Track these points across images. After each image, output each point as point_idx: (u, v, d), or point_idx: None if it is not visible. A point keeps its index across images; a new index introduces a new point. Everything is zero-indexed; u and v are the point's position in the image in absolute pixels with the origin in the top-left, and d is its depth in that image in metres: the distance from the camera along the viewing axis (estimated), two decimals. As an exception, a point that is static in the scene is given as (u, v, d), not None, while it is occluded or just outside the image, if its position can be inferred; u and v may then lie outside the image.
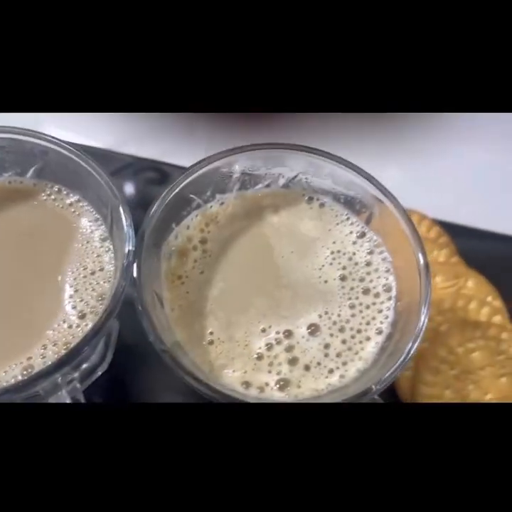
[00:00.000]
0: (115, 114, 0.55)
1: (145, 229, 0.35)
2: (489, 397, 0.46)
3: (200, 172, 0.38)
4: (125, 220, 0.35)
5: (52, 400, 0.34)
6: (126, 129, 0.49)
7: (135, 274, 0.34)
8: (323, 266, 0.40)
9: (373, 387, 0.32)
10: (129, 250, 0.34)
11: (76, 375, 0.44)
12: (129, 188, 0.54)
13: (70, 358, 0.33)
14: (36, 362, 0.35)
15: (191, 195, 0.39)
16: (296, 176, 0.41)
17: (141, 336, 0.50)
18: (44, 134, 0.38)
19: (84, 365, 0.46)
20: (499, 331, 0.48)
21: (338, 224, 0.41)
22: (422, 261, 0.36)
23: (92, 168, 0.37)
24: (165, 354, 0.32)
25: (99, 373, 0.47)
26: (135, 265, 0.34)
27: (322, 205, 0.42)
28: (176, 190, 0.37)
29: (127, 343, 0.49)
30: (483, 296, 0.51)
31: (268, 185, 0.42)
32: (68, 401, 0.35)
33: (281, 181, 0.42)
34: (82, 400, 0.37)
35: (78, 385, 0.39)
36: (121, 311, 0.50)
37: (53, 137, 0.38)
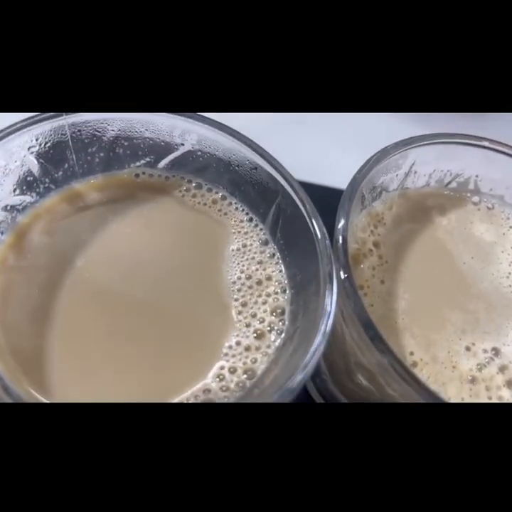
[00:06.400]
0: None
1: (342, 228, 0.29)
2: None
3: (378, 166, 0.32)
4: (311, 216, 0.29)
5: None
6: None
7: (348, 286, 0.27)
8: (510, 273, 0.34)
9: None
10: (329, 256, 0.27)
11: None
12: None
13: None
14: (215, 393, 0.27)
15: (364, 192, 0.33)
16: (463, 173, 0.36)
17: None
18: (195, 114, 0.31)
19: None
20: None
21: (511, 227, 0.36)
22: None
23: (256, 151, 0.30)
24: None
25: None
26: (342, 270, 0.27)
27: (490, 207, 0.37)
28: (360, 187, 0.31)
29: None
30: None
31: (430, 184, 0.37)
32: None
33: (447, 179, 0.37)
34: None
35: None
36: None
37: (201, 116, 0.31)
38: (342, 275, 0.27)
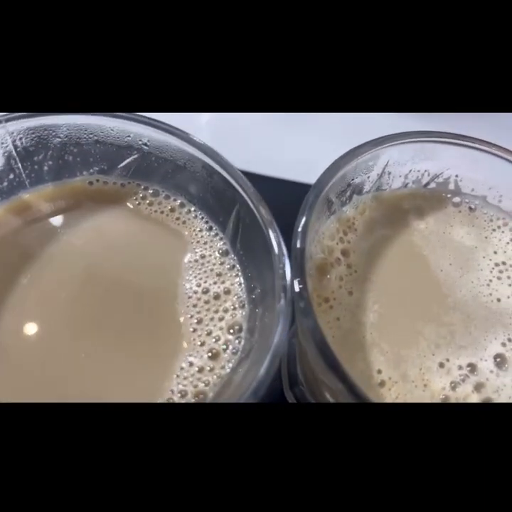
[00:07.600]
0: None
1: (299, 238, 0.27)
2: None
3: (345, 169, 0.30)
4: (267, 225, 0.27)
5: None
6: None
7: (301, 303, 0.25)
8: (490, 281, 0.32)
9: None
10: (284, 269, 0.25)
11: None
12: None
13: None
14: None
15: (331, 197, 0.31)
16: (442, 173, 0.34)
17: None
18: (146, 118, 0.29)
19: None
20: None
21: (494, 230, 0.34)
22: None
23: (211, 157, 0.28)
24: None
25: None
26: (297, 283, 0.25)
27: (472, 208, 0.35)
28: (323, 192, 0.29)
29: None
30: None
31: (407, 185, 0.34)
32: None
33: (425, 180, 0.34)
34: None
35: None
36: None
37: (157, 121, 0.29)
38: (296, 288, 0.25)
